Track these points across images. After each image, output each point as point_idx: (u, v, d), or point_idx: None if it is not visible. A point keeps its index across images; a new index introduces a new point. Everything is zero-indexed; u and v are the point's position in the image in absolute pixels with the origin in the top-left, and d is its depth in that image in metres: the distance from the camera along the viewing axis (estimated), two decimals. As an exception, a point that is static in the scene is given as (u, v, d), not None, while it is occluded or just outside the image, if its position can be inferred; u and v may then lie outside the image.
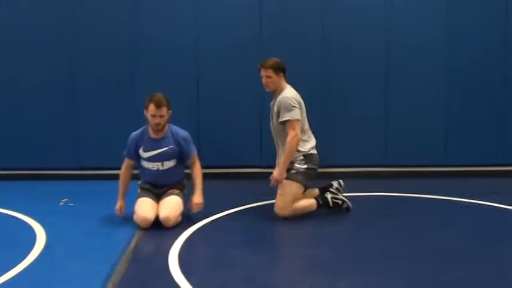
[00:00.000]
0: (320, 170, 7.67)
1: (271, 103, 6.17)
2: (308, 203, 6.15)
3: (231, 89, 7.62)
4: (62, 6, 7.72)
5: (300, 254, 4.98)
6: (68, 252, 5.12)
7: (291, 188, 5.99)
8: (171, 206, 5.77)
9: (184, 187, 6.12)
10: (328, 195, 6.23)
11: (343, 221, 5.95)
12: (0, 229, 5.86)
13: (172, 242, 5.24)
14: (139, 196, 5.94)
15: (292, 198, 6.00)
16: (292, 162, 5.99)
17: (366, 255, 4.97)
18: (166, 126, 5.96)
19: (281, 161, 5.97)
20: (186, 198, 6.07)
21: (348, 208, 6.21)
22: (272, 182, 5.99)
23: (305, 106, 6.10)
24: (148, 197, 5.92)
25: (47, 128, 7.89)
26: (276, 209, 6.04)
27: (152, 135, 5.93)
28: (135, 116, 7.36)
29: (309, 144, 6.10)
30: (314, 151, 6.13)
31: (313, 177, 6.15)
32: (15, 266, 4.69)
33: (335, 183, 6.33)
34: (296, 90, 6.10)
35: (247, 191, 7.15)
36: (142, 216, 5.68)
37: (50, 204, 6.67)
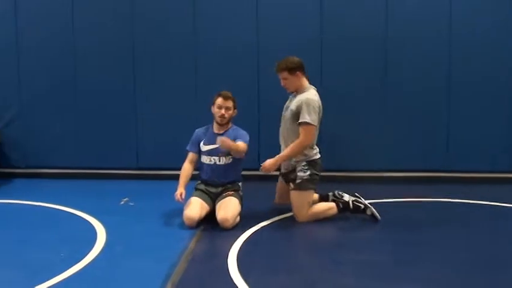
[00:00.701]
0: (385, 174, 7.65)
1: (287, 103, 6.09)
2: (327, 206, 6.09)
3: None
4: (125, 14, 7.82)
5: (359, 259, 4.90)
6: (127, 251, 5.17)
7: (301, 199, 5.95)
8: (228, 206, 5.78)
9: (240, 188, 6.11)
10: (351, 198, 6.11)
11: (402, 227, 5.83)
12: (62, 227, 5.97)
13: (232, 243, 5.23)
14: (192, 195, 6.00)
15: (306, 207, 5.96)
16: (294, 171, 5.94)
17: (425, 261, 4.87)
18: (230, 124, 6.09)
19: (281, 153, 5.93)
20: (243, 200, 6.08)
21: (373, 215, 5.98)
22: (262, 169, 5.92)
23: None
24: (200, 197, 5.96)
25: (109, 129, 8.00)
26: (295, 217, 6.01)
27: (215, 130, 6.07)
28: (194, 118, 7.41)
29: (314, 150, 5.99)
30: (317, 156, 6.00)
31: (317, 182, 6.05)
32: (76, 263, 4.76)
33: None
34: (318, 93, 6.03)
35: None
36: (187, 215, 5.74)
37: (110, 203, 6.75)
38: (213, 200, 5.99)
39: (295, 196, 5.97)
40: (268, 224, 5.91)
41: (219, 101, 6.00)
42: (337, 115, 7.51)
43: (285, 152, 5.89)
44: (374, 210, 5.98)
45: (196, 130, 6.22)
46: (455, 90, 7.52)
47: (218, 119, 6.01)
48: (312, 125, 5.77)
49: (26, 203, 6.78)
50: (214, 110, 6.04)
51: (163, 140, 7.85)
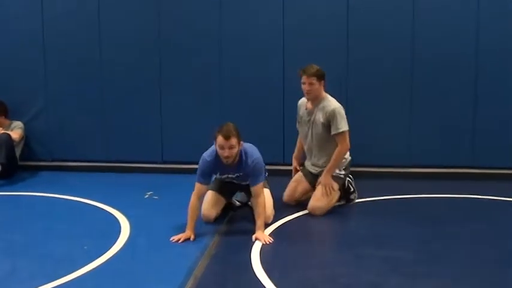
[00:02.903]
0: (407, 170, 7.59)
1: (306, 111, 6.19)
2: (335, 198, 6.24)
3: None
4: (151, 8, 7.80)
5: (381, 255, 4.86)
6: (151, 245, 5.19)
7: (335, 191, 6.07)
8: (267, 202, 5.61)
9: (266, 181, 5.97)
10: (346, 178, 6.31)
11: (426, 223, 5.75)
12: (86, 220, 6.00)
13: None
14: (211, 188, 5.82)
15: (332, 200, 6.09)
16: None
17: (449, 257, 4.82)
18: (238, 156, 5.50)
19: (328, 167, 6.02)
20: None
21: (351, 200, 6.37)
22: (325, 189, 5.98)
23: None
24: (218, 190, 5.86)
25: (135, 123, 7.99)
26: (314, 211, 5.99)
27: (225, 163, 5.51)
28: (219, 112, 7.44)
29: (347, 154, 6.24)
30: (350, 158, 6.27)
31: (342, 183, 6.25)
32: (99, 256, 4.79)
33: None
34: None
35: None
36: (202, 212, 5.67)
37: (135, 196, 6.75)
38: (230, 190, 5.92)
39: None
40: (291, 219, 5.88)
41: (220, 140, 5.25)
42: (362, 111, 7.45)
43: (331, 164, 6.01)
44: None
45: (206, 159, 5.48)
46: (482, 85, 7.39)
47: (224, 160, 5.36)
48: (346, 130, 5.97)
49: (51, 195, 6.83)
50: (217, 149, 5.35)
51: (188, 134, 7.84)
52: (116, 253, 4.91)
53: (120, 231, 5.46)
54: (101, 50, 7.92)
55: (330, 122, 5.95)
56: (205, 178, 5.51)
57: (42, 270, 4.57)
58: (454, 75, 7.42)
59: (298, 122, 6.36)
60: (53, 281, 4.29)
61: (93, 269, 4.56)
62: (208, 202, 5.78)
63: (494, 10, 7.28)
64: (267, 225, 5.54)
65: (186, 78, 7.83)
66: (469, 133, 7.48)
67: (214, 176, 5.82)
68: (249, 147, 5.57)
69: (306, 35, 7.52)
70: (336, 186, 6.05)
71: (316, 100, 6.08)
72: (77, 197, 6.69)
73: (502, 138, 7.44)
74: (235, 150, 5.33)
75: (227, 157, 5.33)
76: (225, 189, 5.92)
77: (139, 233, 5.46)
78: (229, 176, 5.69)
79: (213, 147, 5.48)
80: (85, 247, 5.05)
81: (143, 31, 7.86)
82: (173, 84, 7.87)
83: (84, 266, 4.57)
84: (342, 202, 6.30)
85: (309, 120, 6.14)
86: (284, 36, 7.56)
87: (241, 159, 5.48)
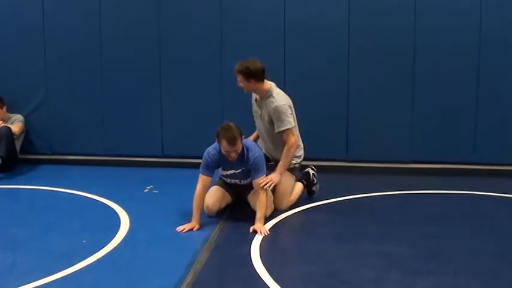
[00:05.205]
0: (409, 165, 7.57)
1: (256, 102, 6.07)
2: (299, 189, 6.18)
3: (316, 76, 7.48)
4: (153, 4, 7.77)
5: (381, 251, 4.85)
6: (150, 239, 5.18)
7: (288, 183, 6.01)
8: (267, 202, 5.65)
9: None
10: (310, 170, 6.29)
11: (428, 218, 5.75)
12: (86, 213, 5.99)
13: (255, 232, 5.21)
14: (217, 183, 5.90)
15: (290, 193, 6.05)
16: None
17: (449, 253, 4.81)
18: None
19: (280, 165, 5.84)
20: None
21: (313, 192, 6.31)
22: (269, 183, 5.65)
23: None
24: (223, 186, 5.89)
25: (135, 116, 7.97)
26: (277, 206, 5.92)
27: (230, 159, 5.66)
28: (220, 105, 7.40)
29: (299, 152, 6.14)
30: (301, 159, 6.20)
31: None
32: (99, 250, 4.79)
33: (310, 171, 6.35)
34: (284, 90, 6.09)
35: (334, 184, 6.89)
36: (206, 205, 5.66)
37: (135, 190, 6.74)
38: (235, 190, 5.93)
39: (285, 180, 5.94)
40: (290, 214, 5.87)
41: (226, 146, 5.38)
42: (364, 107, 7.43)
43: (281, 162, 5.85)
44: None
45: (210, 152, 5.60)
46: (484, 81, 7.36)
47: (229, 158, 5.53)
48: (291, 127, 5.83)
49: (51, 189, 6.82)
50: (223, 151, 5.50)
51: (188, 128, 7.82)
52: (116, 247, 4.90)
53: (119, 225, 5.45)
54: (101, 43, 7.89)
55: (272, 119, 5.84)
56: (209, 171, 5.63)
57: (41, 264, 4.56)
58: (456, 71, 7.38)
59: (252, 107, 6.22)
60: (51, 274, 4.28)
61: (92, 262, 4.55)
62: (213, 196, 5.77)
63: (496, 3, 7.25)
64: (266, 219, 5.53)
65: (187, 72, 7.80)
66: (470, 129, 7.45)
67: (219, 174, 5.89)
68: (250, 143, 5.71)
69: (307, 29, 7.48)
70: (275, 178, 5.75)
71: (259, 95, 5.95)
72: (77, 190, 6.68)
73: (503, 134, 7.42)
74: (239, 150, 5.48)
75: (233, 158, 5.49)
76: (230, 189, 5.91)
77: (139, 226, 5.45)
78: (234, 171, 5.72)
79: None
80: (84, 241, 5.04)
81: (143, 24, 7.83)
82: (173, 78, 7.84)
83: (83, 260, 4.56)
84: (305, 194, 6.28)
85: (258, 113, 6.04)
86: (285, 31, 7.53)
87: (244, 153, 5.56)
